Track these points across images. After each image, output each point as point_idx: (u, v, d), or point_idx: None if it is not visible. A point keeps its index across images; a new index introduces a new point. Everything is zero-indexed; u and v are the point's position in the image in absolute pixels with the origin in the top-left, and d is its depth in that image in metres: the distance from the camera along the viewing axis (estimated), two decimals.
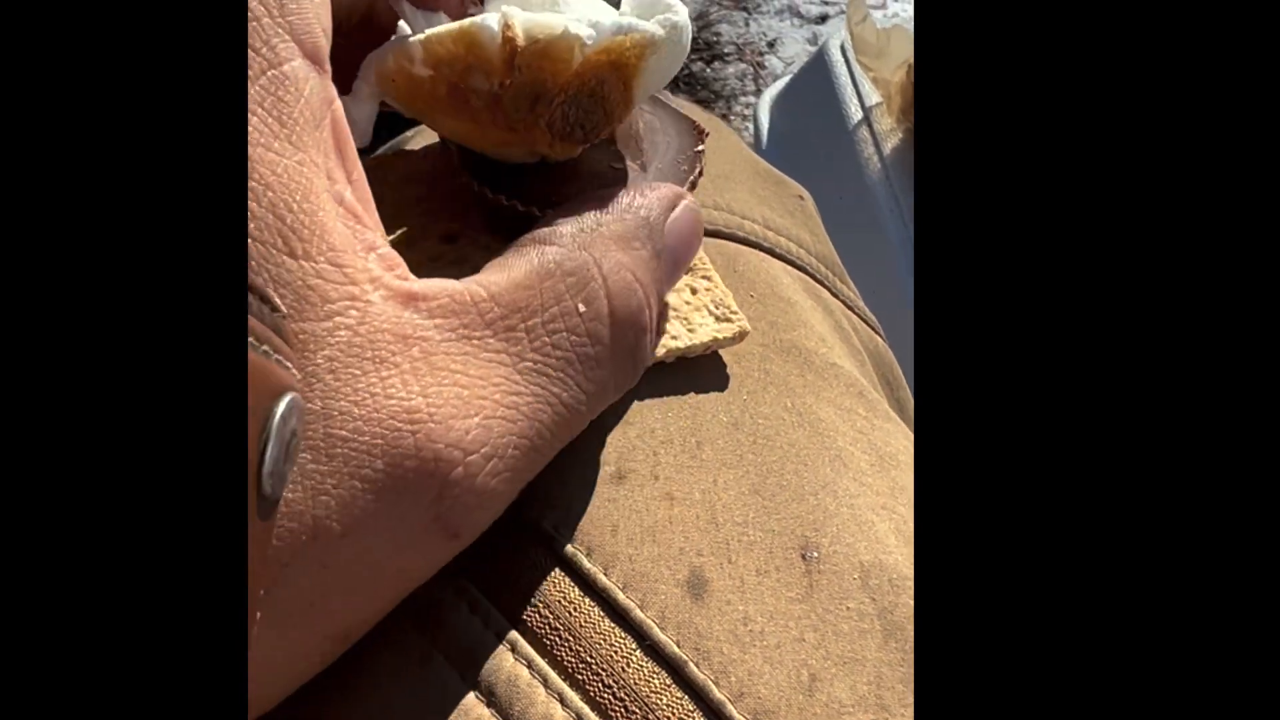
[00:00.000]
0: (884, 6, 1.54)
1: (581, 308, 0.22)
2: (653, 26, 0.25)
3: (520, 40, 0.23)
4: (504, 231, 0.27)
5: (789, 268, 0.36)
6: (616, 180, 0.28)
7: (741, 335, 0.29)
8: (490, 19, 0.23)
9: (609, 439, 0.26)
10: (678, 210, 0.25)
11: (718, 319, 0.29)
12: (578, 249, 0.23)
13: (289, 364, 0.18)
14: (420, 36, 0.24)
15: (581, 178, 0.28)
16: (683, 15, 0.26)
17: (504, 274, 0.22)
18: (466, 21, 0.23)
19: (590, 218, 0.24)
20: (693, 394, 0.28)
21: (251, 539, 0.17)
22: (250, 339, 0.16)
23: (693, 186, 0.28)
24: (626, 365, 0.24)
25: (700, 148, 0.29)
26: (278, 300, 0.19)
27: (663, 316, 0.27)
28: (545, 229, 0.24)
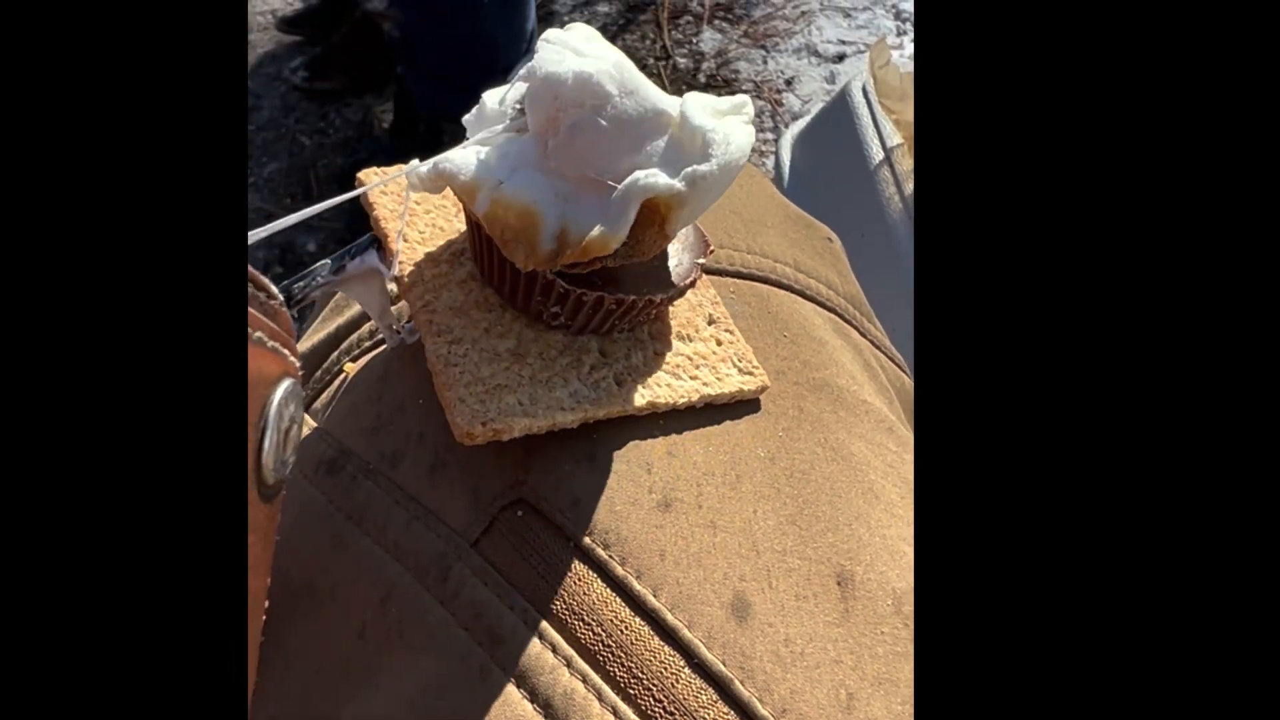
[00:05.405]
0: (902, 48, 1.57)
1: None
2: (675, 183, 0.25)
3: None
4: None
5: (819, 308, 0.38)
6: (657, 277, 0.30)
7: (762, 389, 0.31)
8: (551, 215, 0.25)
9: (655, 470, 0.28)
10: None
11: (741, 371, 0.31)
12: None
13: (285, 350, 0.19)
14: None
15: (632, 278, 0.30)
16: (712, 164, 0.25)
17: None
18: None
19: None
20: (732, 430, 0.30)
21: (253, 524, 0.17)
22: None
23: (681, 293, 0.30)
24: None
25: (702, 260, 0.30)
26: (274, 288, 0.19)
27: None
28: None
